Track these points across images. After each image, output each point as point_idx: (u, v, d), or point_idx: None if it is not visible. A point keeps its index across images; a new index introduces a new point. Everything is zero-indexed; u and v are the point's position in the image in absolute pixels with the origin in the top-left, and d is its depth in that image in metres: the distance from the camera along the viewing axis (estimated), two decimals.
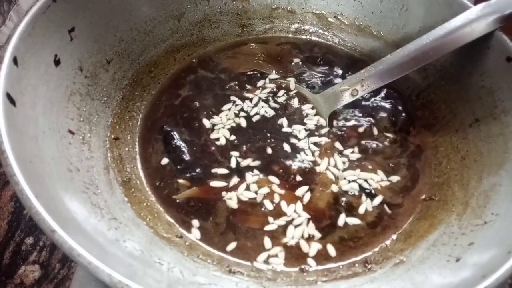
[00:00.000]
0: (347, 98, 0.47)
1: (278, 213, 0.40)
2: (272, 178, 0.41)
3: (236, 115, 0.46)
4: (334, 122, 0.47)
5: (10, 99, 0.30)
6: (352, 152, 0.44)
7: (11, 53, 0.31)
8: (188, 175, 0.41)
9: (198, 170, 0.42)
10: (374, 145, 0.45)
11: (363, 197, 0.41)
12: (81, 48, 0.40)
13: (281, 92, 0.49)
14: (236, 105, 0.47)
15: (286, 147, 0.44)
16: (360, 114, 0.47)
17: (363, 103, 0.48)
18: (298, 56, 0.53)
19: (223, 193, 0.40)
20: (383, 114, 0.48)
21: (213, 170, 0.42)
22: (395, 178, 0.43)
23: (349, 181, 0.42)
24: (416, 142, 0.46)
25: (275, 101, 0.48)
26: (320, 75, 0.51)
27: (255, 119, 0.46)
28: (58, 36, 0.37)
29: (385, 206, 0.41)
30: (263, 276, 0.36)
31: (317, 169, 0.42)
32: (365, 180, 0.42)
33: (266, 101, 0.48)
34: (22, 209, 0.47)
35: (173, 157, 0.43)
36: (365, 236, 0.39)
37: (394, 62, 0.45)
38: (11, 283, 0.42)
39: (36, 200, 0.26)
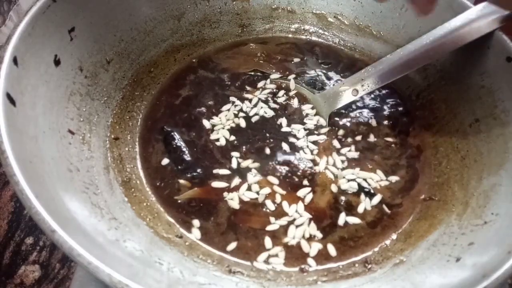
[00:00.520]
0: (347, 98, 0.47)
1: (279, 213, 0.40)
2: (271, 178, 0.41)
3: (236, 116, 0.46)
4: (334, 122, 0.47)
5: (10, 99, 0.30)
6: (351, 151, 0.44)
7: (11, 53, 0.31)
8: (189, 175, 0.41)
9: (199, 170, 0.42)
10: (374, 145, 0.45)
11: (362, 196, 0.41)
12: (81, 48, 0.40)
13: (281, 92, 0.49)
14: (236, 105, 0.47)
15: (285, 146, 0.44)
16: (360, 114, 0.47)
17: (363, 103, 0.48)
18: (298, 55, 0.53)
19: (225, 194, 0.40)
20: (383, 114, 0.48)
21: (215, 171, 0.42)
22: (394, 178, 0.43)
23: (348, 180, 0.42)
24: (416, 142, 0.46)
25: (275, 102, 0.48)
26: (320, 74, 0.51)
27: (254, 119, 0.46)
28: (58, 36, 0.37)
29: (384, 206, 0.41)
30: (263, 276, 0.36)
31: (317, 168, 0.42)
32: (364, 180, 0.42)
33: (266, 101, 0.48)
34: (22, 209, 0.47)
35: (174, 157, 0.43)
36: (365, 236, 0.39)
37: (394, 62, 0.45)
38: (11, 283, 0.42)
39: (36, 200, 0.26)
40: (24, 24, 0.33)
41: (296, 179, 0.42)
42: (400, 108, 0.48)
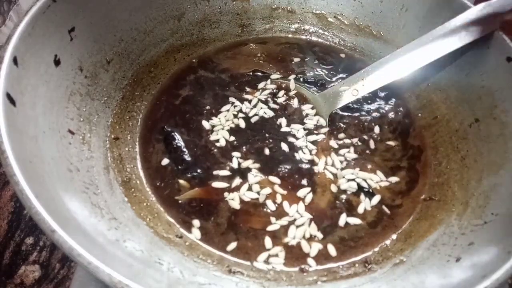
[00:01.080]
0: (347, 98, 0.47)
1: (280, 213, 0.40)
2: (272, 178, 0.41)
3: (235, 116, 0.46)
4: (334, 122, 0.47)
5: (10, 99, 0.30)
6: (350, 152, 0.44)
7: (11, 53, 0.31)
8: (189, 175, 0.41)
9: (199, 170, 0.42)
10: (374, 145, 0.45)
11: (362, 196, 0.41)
12: (81, 48, 0.40)
13: (281, 92, 0.49)
14: (235, 106, 0.47)
15: (284, 146, 0.44)
16: (360, 114, 0.47)
17: (363, 103, 0.48)
18: (298, 55, 0.53)
19: (225, 194, 0.40)
20: (383, 115, 0.48)
21: (215, 172, 0.42)
22: (394, 179, 0.43)
23: (348, 180, 0.42)
24: (416, 142, 0.46)
25: (275, 102, 0.48)
26: (321, 74, 0.51)
27: (253, 120, 0.46)
28: (58, 36, 0.37)
29: (384, 207, 0.41)
30: (263, 276, 0.36)
31: (316, 168, 0.42)
32: (364, 180, 0.42)
33: (265, 102, 0.48)
34: (22, 209, 0.47)
35: (174, 158, 0.43)
36: (365, 236, 0.39)
37: (394, 62, 0.45)
38: (11, 283, 0.42)
39: (36, 200, 0.26)
40: (24, 24, 0.33)
41: (296, 179, 0.42)
42: (400, 109, 0.48)
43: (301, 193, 0.41)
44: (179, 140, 0.44)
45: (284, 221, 0.39)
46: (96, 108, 0.42)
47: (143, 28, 0.48)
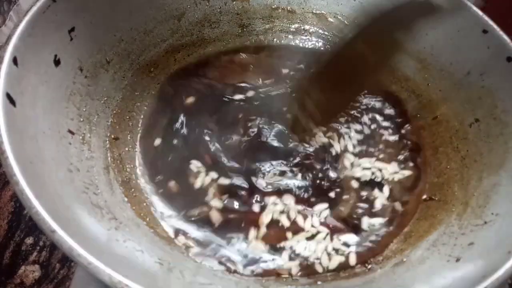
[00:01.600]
0: None
1: (296, 229, 0.39)
2: (286, 196, 0.40)
3: None
4: (333, 123, 0.47)
5: (10, 99, 0.30)
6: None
7: (11, 53, 0.31)
8: None
9: None
10: (373, 146, 0.45)
11: (376, 190, 0.41)
12: (81, 48, 0.40)
13: None
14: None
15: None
16: (360, 115, 0.47)
17: (363, 103, 0.48)
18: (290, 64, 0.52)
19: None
20: (383, 115, 0.48)
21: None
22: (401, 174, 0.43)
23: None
24: (415, 142, 0.46)
25: None
26: None
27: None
28: (58, 36, 0.37)
29: (396, 204, 0.41)
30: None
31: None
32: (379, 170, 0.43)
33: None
34: (22, 209, 0.47)
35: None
36: (385, 235, 0.39)
37: None
38: (11, 283, 0.42)
39: (36, 200, 0.26)
40: (24, 24, 0.33)
41: (310, 193, 0.41)
42: (400, 109, 0.48)
43: (317, 208, 0.40)
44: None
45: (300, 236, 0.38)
46: (96, 108, 0.42)
47: (143, 28, 0.48)
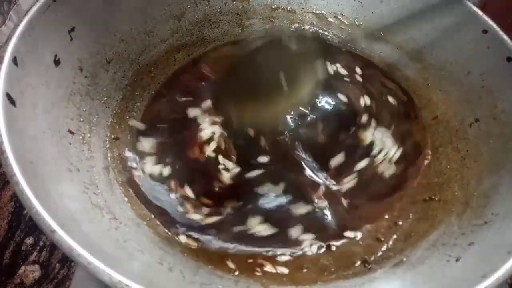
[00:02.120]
0: None
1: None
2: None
3: None
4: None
5: (10, 99, 0.30)
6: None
7: (11, 53, 0.31)
8: None
9: None
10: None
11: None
12: (81, 48, 0.40)
13: None
14: None
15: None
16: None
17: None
18: None
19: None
20: (382, 115, 0.48)
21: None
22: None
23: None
24: (415, 142, 0.46)
25: None
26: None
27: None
28: (58, 36, 0.37)
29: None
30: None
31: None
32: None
33: None
34: (22, 209, 0.47)
35: None
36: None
37: None
38: (11, 283, 0.42)
39: (36, 200, 0.26)
40: (24, 24, 0.33)
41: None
42: (400, 109, 0.48)
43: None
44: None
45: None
46: (96, 108, 0.42)
47: (143, 28, 0.48)
